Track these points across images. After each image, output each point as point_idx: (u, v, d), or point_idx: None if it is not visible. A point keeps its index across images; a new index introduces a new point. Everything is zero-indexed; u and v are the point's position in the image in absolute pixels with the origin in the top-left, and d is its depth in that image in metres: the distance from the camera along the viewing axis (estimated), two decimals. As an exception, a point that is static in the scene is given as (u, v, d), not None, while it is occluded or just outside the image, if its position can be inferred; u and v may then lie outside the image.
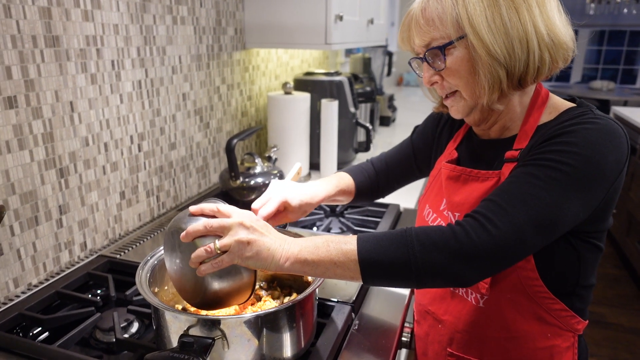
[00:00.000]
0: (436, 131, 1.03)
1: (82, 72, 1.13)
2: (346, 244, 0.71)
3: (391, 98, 3.04)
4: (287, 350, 0.79)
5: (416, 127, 1.10)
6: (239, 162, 1.50)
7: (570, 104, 0.80)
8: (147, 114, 1.36)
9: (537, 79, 0.76)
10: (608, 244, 3.68)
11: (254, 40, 1.81)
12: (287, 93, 1.84)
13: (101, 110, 1.20)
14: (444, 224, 0.88)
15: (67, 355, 0.82)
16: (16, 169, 1.01)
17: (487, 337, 0.84)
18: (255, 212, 0.90)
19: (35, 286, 1.07)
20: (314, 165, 1.99)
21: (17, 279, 1.04)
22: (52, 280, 1.09)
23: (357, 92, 2.30)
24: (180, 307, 0.90)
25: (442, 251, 0.67)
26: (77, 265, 1.15)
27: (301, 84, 1.99)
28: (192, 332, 0.72)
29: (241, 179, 1.46)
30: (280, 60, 2.19)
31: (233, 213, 0.75)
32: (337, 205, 1.54)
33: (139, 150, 1.36)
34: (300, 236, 0.82)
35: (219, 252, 0.71)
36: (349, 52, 3.20)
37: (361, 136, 2.17)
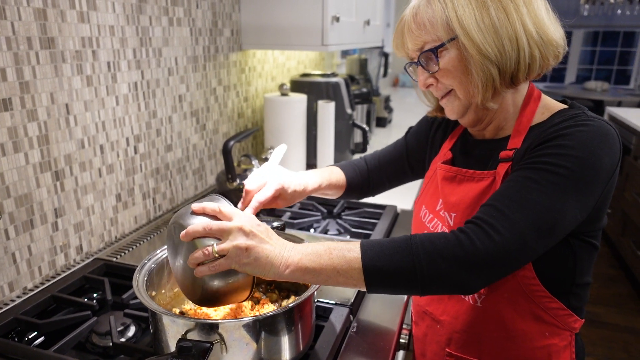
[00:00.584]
0: (430, 132, 1.04)
1: (78, 74, 1.12)
2: (349, 252, 0.71)
3: (387, 99, 3.05)
4: (286, 354, 0.79)
5: (410, 128, 1.10)
6: (235, 164, 1.49)
7: (563, 105, 0.82)
8: (143, 115, 1.36)
9: (529, 76, 0.77)
10: (603, 244, 3.69)
11: (250, 42, 1.80)
12: (283, 94, 1.84)
13: (97, 112, 1.19)
14: (440, 225, 0.89)
15: (64, 360, 0.81)
16: (11, 172, 1.00)
17: (485, 336, 0.84)
18: (249, 193, 0.89)
19: (31, 290, 1.06)
20: (311, 166, 1.98)
21: (12, 283, 1.03)
22: (47, 284, 1.08)
23: (354, 93, 2.30)
24: (178, 310, 0.90)
25: (447, 260, 0.68)
26: (73, 269, 1.14)
27: (298, 85, 1.99)
28: (190, 336, 0.72)
29: (238, 180, 1.45)
30: (276, 61, 2.18)
31: (234, 216, 0.74)
32: (334, 206, 1.54)
33: (135, 153, 1.35)
34: (301, 240, 0.82)
35: (216, 255, 0.71)
36: (345, 53, 3.20)
37: (358, 137, 2.17)
